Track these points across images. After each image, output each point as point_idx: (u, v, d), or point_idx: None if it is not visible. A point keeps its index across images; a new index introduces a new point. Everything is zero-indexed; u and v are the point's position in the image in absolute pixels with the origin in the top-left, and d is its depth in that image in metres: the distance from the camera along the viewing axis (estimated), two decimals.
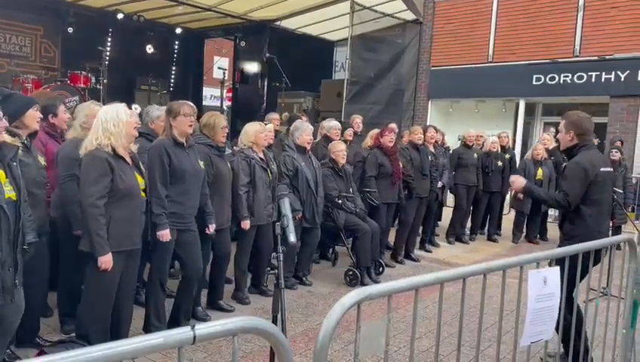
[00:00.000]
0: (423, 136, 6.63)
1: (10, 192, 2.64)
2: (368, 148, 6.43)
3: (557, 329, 2.62)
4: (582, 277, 2.93)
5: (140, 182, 3.37)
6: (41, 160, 3.55)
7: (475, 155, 7.85)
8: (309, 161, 5.40)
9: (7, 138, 2.76)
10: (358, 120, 7.71)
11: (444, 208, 8.45)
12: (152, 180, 3.62)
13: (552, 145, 8.49)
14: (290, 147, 5.43)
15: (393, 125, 6.66)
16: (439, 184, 7.01)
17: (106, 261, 3.15)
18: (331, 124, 6.56)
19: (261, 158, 4.86)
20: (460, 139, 8.12)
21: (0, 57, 10.73)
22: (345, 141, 6.50)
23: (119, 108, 3.32)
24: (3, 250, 2.58)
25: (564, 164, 3.69)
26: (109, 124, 3.20)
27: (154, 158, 3.72)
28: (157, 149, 3.77)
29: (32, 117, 3.38)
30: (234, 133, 6.29)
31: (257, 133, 4.89)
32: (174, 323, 3.98)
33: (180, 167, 3.77)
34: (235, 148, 5.05)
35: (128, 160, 3.33)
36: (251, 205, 4.72)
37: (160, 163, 3.70)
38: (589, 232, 3.41)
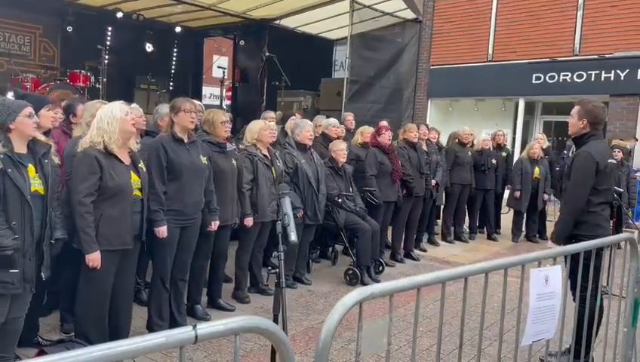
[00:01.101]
0: (417, 133, 6.62)
1: (38, 186, 2.77)
2: (359, 146, 6.40)
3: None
4: (595, 275, 3.02)
5: (135, 180, 3.33)
6: (55, 159, 3.58)
7: (470, 153, 7.84)
8: (310, 158, 5.39)
9: (41, 136, 2.91)
10: (350, 117, 7.66)
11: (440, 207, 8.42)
12: (150, 177, 3.61)
13: (546, 144, 8.50)
14: (291, 145, 5.43)
15: (384, 123, 6.63)
16: (433, 182, 7.01)
17: (93, 258, 3.13)
18: (330, 121, 6.54)
19: (264, 155, 4.86)
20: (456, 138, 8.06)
21: None
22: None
23: (115, 105, 3.32)
24: (25, 240, 2.68)
25: (574, 152, 3.73)
26: (103, 122, 3.22)
27: (151, 155, 3.75)
28: (154, 145, 3.80)
29: (45, 116, 3.53)
30: (233, 132, 6.29)
31: (261, 130, 4.90)
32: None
33: (177, 163, 3.77)
34: (240, 145, 5.06)
35: (124, 158, 3.30)
36: (255, 202, 4.72)
37: (157, 159, 3.72)
38: (595, 219, 3.55)
